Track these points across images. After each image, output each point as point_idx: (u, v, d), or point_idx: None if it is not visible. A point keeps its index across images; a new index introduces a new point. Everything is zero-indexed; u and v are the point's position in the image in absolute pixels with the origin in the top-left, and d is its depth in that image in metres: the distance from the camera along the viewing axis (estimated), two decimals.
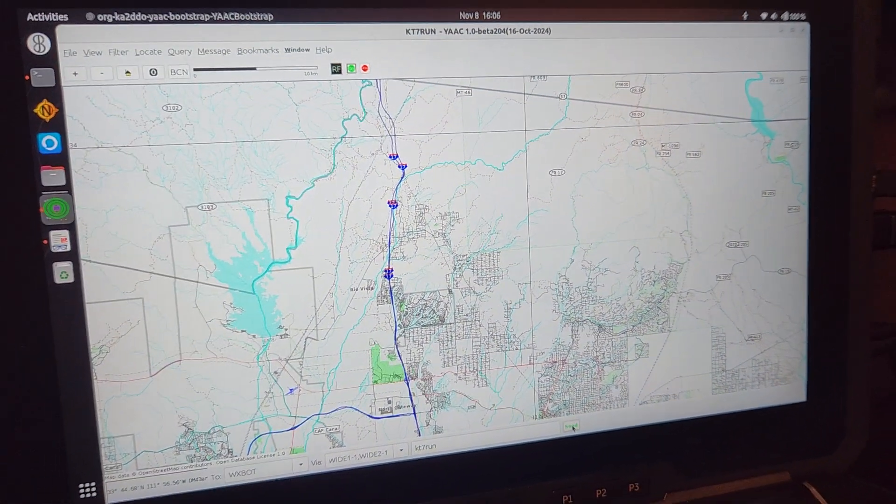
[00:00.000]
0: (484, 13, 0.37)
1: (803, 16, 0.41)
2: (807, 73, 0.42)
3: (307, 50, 0.35)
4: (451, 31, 0.37)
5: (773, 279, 0.43)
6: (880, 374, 0.55)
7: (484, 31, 0.37)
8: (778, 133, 0.42)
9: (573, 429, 0.41)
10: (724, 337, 0.43)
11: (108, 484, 0.35)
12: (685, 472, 0.43)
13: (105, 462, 0.35)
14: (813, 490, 0.44)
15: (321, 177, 0.36)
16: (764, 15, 0.41)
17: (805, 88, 0.42)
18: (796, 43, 0.42)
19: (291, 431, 0.37)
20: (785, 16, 0.41)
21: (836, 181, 0.43)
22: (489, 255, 0.39)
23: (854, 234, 0.43)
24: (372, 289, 0.37)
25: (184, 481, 0.36)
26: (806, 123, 0.42)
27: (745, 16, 0.41)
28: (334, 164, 0.36)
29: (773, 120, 0.42)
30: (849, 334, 0.44)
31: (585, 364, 0.41)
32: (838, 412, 0.45)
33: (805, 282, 0.44)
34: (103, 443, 0.35)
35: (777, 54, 0.41)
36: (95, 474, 0.35)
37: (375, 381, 0.38)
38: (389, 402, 0.38)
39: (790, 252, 0.43)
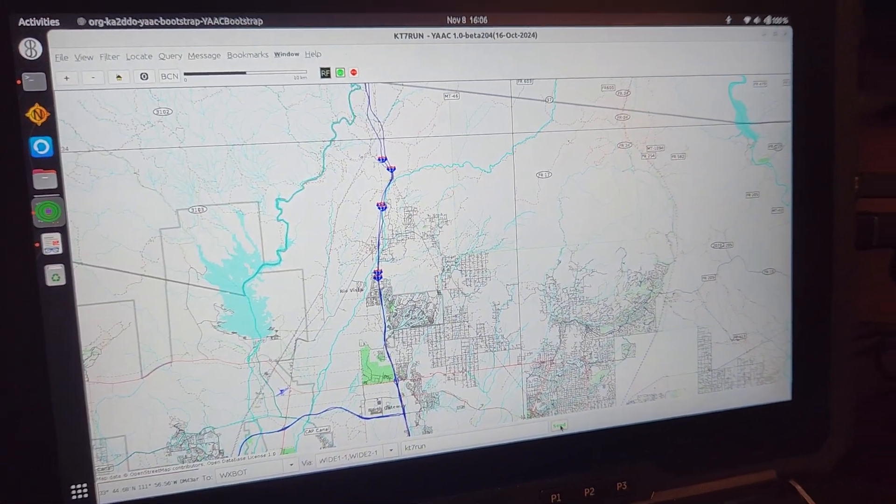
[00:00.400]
0: (471, 18, 0.38)
1: (786, 20, 0.42)
2: (789, 76, 0.43)
3: (296, 54, 0.36)
4: (438, 36, 0.37)
5: (757, 279, 0.44)
6: (864, 374, 0.56)
7: (471, 36, 0.38)
8: (761, 135, 0.42)
9: (561, 428, 0.42)
10: (710, 337, 0.43)
11: (100, 485, 0.35)
12: (672, 470, 0.43)
13: (97, 463, 0.35)
14: (798, 488, 0.44)
15: (311, 179, 0.36)
16: (747, 19, 0.42)
17: (788, 91, 0.43)
18: (779, 46, 0.42)
19: (282, 432, 0.38)
20: (768, 20, 0.42)
21: (820, 183, 0.43)
22: (477, 257, 0.39)
23: (837, 235, 0.44)
24: (361, 290, 0.38)
25: (175, 482, 0.36)
26: (789, 126, 0.43)
27: (728, 20, 0.41)
28: (324, 167, 0.36)
29: (756, 122, 0.42)
30: (833, 334, 0.45)
31: (573, 364, 0.41)
32: (823, 411, 0.45)
33: (789, 282, 0.44)
34: (95, 444, 0.35)
35: (760, 58, 0.42)
36: (87, 475, 0.35)
37: (365, 382, 0.38)
38: (379, 403, 0.39)
39: (774, 253, 0.44)
